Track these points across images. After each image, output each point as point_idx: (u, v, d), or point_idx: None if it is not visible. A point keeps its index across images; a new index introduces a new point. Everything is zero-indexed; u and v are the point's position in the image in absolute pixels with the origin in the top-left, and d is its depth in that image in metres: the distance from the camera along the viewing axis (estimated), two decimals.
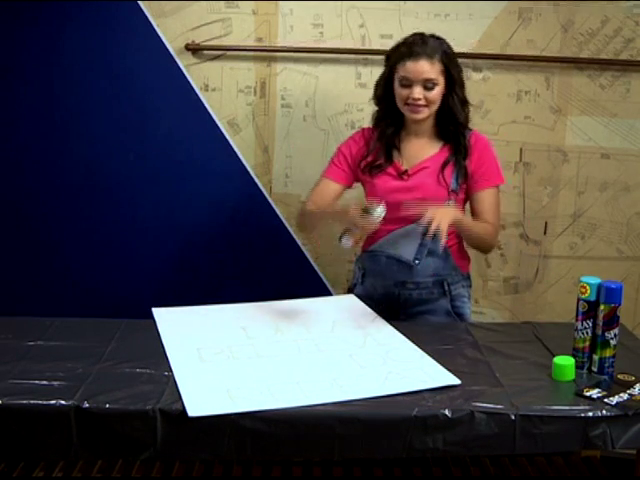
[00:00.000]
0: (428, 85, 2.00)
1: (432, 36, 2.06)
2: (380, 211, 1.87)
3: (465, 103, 2.10)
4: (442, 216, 1.90)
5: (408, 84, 2.01)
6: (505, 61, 2.58)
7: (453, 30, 2.54)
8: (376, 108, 2.18)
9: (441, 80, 2.02)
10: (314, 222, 2.18)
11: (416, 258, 2.10)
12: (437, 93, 2.03)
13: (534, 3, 2.54)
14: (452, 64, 2.04)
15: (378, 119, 2.15)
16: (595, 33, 2.55)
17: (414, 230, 2.06)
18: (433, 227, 1.87)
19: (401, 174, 2.10)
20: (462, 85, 2.08)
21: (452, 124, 2.09)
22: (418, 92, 2.00)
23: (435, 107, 2.05)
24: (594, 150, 2.64)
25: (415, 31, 2.09)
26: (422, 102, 2.01)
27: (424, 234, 1.98)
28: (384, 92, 2.11)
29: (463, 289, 2.19)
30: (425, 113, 2.05)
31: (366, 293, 2.19)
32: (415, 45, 2.01)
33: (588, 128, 2.62)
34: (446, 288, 2.14)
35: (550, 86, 2.60)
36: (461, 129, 2.09)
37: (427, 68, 1.99)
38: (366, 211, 1.87)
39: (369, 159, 2.12)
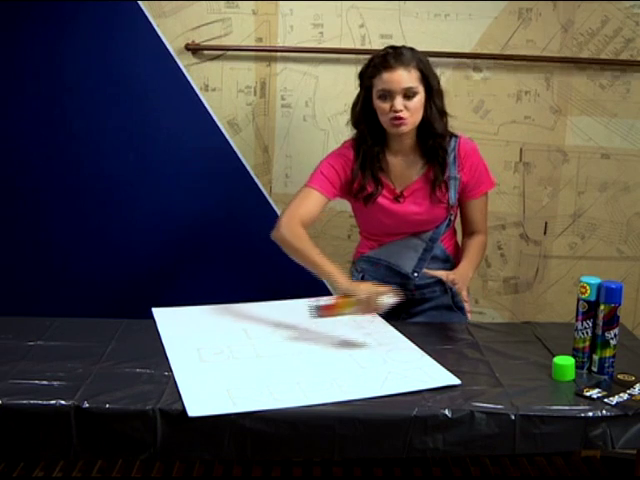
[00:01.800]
0: (408, 94, 1.95)
1: (404, 47, 2.02)
2: (390, 301, 1.86)
3: (444, 114, 2.05)
4: (463, 281, 1.97)
5: (388, 96, 1.96)
6: (505, 61, 2.58)
7: (453, 30, 2.55)
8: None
9: (420, 89, 1.97)
10: (291, 253, 2.00)
11: (415, 271, 2.11)
12: (418, 101, 1.97)
13: (534, 3, 2.54)
14: (429, 73, 2.00)
15: (359, 141, 2.07)
16: (595, 33, 2.55)
17: (415, 243, 2.11)
18: (460, 291, 1.96)
19: (396, 197, 2.07)
20: (441, 95, 2.03)
21: (431, 136, 2.03)
22: (399, 103, 1.94)
23: (418, 117, 1.99)
24: (594, 150, 2.64)
25: (392, 44, 2.05)
26: (405, 113, 1.95)
27: (426, 250, 2.10)
28: (362, 113, 2.05)
29: None
30: (409, 126, 1.98)
31: None
32: (389, 56, 1.97)
33: (588, 128, 2.62)
34: (447, 285, 2.14)
35: (550, 86, 2.60)
36: (439, 141, 2.04)
37: (405, 77, 1.95)
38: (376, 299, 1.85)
39: (359, 182, 2.05)
